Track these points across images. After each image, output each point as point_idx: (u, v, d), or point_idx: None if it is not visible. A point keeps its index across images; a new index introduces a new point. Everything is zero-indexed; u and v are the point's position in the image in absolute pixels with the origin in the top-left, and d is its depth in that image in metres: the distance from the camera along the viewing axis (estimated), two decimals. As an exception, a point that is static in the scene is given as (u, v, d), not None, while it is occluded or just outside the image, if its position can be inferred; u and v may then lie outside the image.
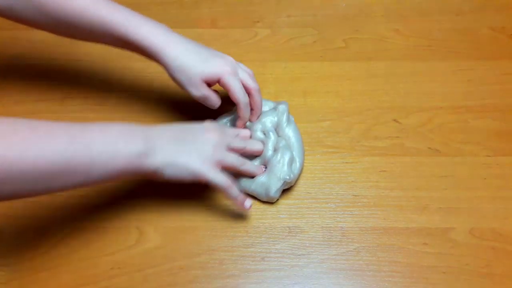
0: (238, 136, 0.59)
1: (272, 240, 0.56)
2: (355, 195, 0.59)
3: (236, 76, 0.57)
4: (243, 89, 0.57)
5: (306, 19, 0.76)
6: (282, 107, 0.61)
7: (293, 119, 0.62)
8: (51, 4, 0.55)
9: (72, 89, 0.69)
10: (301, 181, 0.60)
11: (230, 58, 0.58)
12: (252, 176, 0.58)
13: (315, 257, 0.55)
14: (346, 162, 0.61)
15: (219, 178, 0.52)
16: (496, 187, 0.59)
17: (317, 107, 0.66)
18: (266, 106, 0.63)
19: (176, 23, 0.75)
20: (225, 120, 0.62)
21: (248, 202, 0.55)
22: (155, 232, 0.57)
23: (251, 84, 0.58)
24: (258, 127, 0.60)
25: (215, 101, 0.58)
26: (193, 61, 0.56)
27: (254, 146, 0.58)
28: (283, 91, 0.68)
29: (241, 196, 0.55)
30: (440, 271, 0.54)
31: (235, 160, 0.55)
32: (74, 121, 0.65)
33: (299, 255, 0.55)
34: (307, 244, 0.56)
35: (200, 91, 0.56)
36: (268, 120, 0.60)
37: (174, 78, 0.57)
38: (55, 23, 0.57)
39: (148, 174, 0.51)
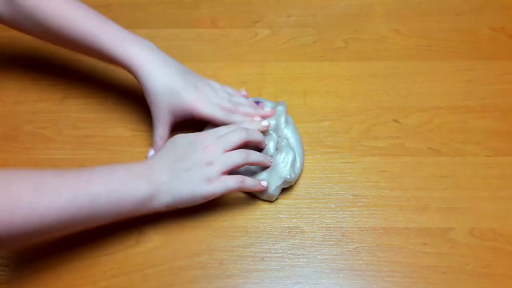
0: (235, 123, 0.58)
1: (272, 240, 0.56)
2: (355, 195, 0.59)
3: (210, 104, 0.58)
4: (221, 110, 0.58)
5: (306, 19, 0.76)
6: (279, 109, 0.61)
7: (291, 119, 0.62)
8: (44, 15, 0.57)
9: (72, 89, 0.69)
10: (301, 181, 0.60)
11: (206, 90, 0.59)
12: (264, 167, 0.57)
13: (315, 257, 0.55)
14: (346, 162, 0.61)
15: (229, 185, 0.53)
16: (496, 187, 0.59)
17: (317, 107, 0.66)
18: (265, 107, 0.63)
19: (176, 23, 0.76)
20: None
21: (264, 182, 0.56)
22: (155, 232, 0.57)
23: (228, 106, 0.59)
24: None
25: (158, 142, 0.59)
26: (166, 90, 0.57)
27: (253, 135, 0.56)
28: (283, 91, 0.68)
29: (257, 183, 0.55)
30: (440, 271, 0.54)
31: (238, 158, 0.54)
32: (74, 121, 0.65)
33: (298, 255, 0.55)
34: (307, 244, 0.56)
35: (158, 120, 0.58)
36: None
37: (145, 96, 0.58)
38: (47, 33, 0.59)
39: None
